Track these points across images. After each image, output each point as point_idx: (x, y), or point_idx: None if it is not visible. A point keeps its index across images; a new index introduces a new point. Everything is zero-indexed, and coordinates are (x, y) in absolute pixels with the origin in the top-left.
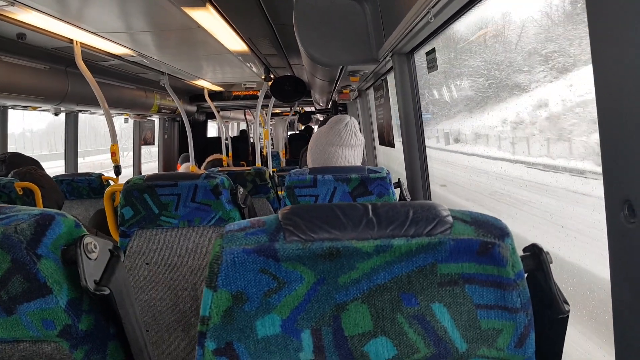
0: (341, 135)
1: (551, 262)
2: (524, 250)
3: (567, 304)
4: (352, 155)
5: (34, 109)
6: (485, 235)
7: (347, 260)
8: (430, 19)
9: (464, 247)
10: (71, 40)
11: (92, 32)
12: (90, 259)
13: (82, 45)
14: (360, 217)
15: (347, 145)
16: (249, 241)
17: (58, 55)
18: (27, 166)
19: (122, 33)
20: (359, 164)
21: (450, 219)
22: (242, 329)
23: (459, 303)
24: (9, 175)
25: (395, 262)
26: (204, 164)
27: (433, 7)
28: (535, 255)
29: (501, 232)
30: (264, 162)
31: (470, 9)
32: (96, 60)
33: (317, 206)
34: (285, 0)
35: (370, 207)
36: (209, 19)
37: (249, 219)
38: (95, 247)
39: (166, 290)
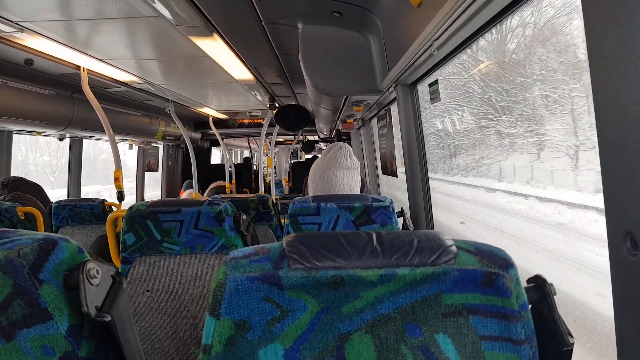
0: (337, 158)
1: (555, 294)
2: (528, 281)
3: (572, 336)
4: (350, 177)
5: (39, 134)
6: (490, 266)
7: (351, 289)
8: (434, 51)
9: (468, 277)
10: (78, 67)
11: (99, 59)
12: (92, 284)
13: (89, 72)
14: (364, 245)
15: (344, 167)
16: (253, 268)
17: (64, 82)
18: (15, 191)
19: (130, 60)
20: (358, 187)
21: (454, 248)
22: (245, 358)
23: (463, 334)
24: None
25: (399, 291)
26: (207, 191)
27: (436, 39)
28: (539, 287)
29: (505, 262)
30: (267, 189)
31: (473, 41)
32: (102, 87)
33: (322, 234)
34: (291, 31)
35: (374, 235)
36: (216, 48)
37: (253, 246)
38: (98, 273)
39: (166, 318)
